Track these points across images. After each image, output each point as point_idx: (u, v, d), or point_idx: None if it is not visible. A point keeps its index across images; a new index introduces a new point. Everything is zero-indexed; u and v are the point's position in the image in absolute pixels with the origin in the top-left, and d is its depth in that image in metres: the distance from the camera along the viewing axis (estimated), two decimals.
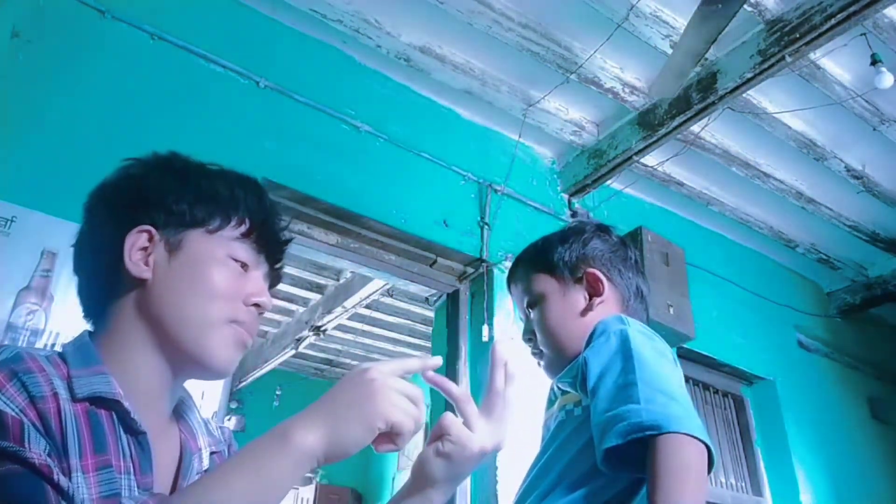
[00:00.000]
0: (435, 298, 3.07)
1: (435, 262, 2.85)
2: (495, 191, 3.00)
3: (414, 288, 3.05)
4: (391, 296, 4.80)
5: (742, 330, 3.74)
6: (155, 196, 0.81)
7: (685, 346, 3.32)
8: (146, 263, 0.77)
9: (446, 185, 2.88)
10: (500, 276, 2.87)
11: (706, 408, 3.72)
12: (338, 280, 4.63)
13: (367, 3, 2.54)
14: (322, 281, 4.66)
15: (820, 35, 2.37)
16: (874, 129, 3.08)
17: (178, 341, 0.76)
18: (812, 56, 2.63)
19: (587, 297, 1.11)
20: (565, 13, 2.59)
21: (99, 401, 0.69)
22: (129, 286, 0.77)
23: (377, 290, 4.39)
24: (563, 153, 3.35)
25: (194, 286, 0.77)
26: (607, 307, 1.10)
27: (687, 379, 3.55)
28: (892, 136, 3.14)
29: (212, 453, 0.84)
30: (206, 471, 0.80)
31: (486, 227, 2.89)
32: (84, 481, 0.63)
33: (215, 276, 0.78)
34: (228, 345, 0.79)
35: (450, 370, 2.79)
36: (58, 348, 0.75)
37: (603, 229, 1.19)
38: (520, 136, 3.09)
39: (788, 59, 2.48)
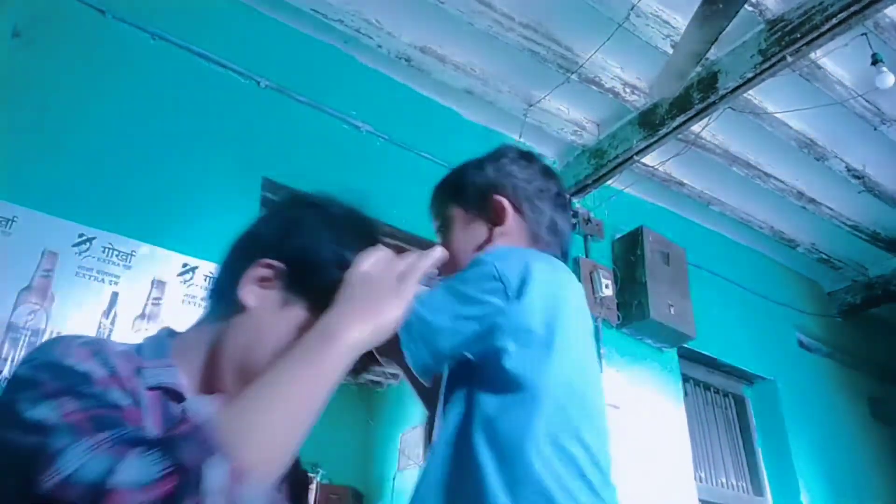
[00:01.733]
0: None
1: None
2: None
3: None
4: None
5: (743, 330, 3.74)
6: (305, 254, 0.81)
7: (686, 345, 3.32)
8: (255, 294, 0.78)
9: None
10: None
11: (707, 407, 3.72)
12: None
13: (367, 2, 2.54)
14: None
15: (821, 35, 2.37)
16: (875, 129, 3.08)
17: (218, 374, 0.77)
18: (813, 56, 2.63)
19: (490, 226, 1.00)
20: (566, 13, 2.59)
21: (167, 392, 0.71)
22: (235, 308, 0.78)
23: None
24: (564, 153, 3.35)
25: (270, 349, 0.75)
26: (510, 240, 0.98)
27: (687, 379, 3.56)
28: (892, 136, 3.14)
29: None
30: None
31: None
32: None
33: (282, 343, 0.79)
34: None
35: None
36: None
37: (525, 157, 1.08)
38: (520, 136, 3.09)
39: (789, 59, 2.48)
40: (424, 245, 2.97)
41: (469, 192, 1.04)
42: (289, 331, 0.76)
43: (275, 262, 0.79)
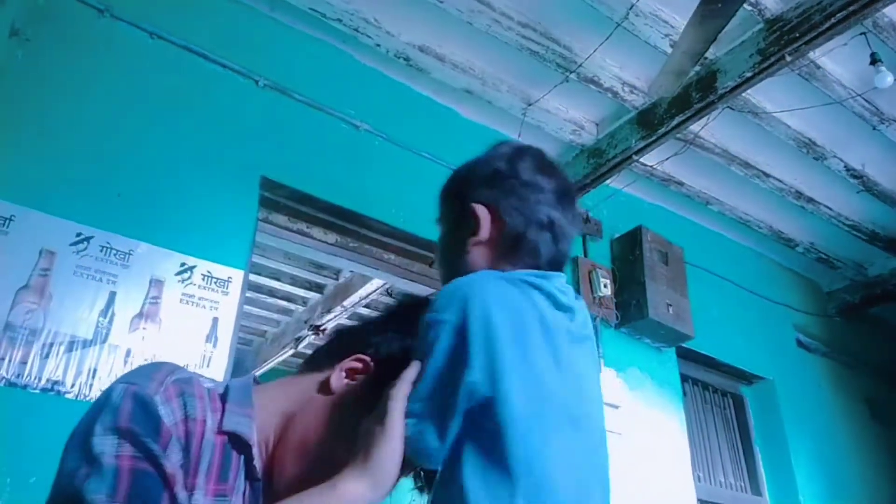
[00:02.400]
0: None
1: (434, 261, 2.85)
2: None
3: (413, 287, 3.05)
4: (390, 295, 4.79)
5: (741, 329, 3.74)
6: (397, 358, 0.84)
7: (685, 345, 3.32)
8: (340, 382, 0.84)
9: None
10: None
11: (705, 407, 3.72)
12: (337, 279, 4.62)
13: (366, 2, 2.53)
14: (321, 280, 4.66)
15: (820, 34, 2.37)
16: (874, 129, 3.08)
17: (282, 441, 0.81)
18: (812, 55, 2.63)
19: (468, 236, 0.92)
20: (565, 12, 2.58)
21: (235, 439, 0.77)
22: (318, 384, 0.84)
23: (376, 290, 4.39)
24: (563, 152, 3.35)
25: (328, 440, 0.81)
26: (486, 250, 0.91)
27: (686, 378, 3.56)
28: (891, 136, 3.14)
29: None
30: None
31: None
32: (203, 500, 0.72)
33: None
34: None
35: None
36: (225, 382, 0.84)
37: (523, 153, 0.98)
38: (519, 135, 3.08)
39: (788, 59, 2.48)
40: (423, 244, 2.95)
41: (460, 192, 0.97)
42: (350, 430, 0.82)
43: (366, 358, 0.85)
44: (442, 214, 1.00)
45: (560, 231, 0.93)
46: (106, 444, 0.67)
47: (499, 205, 0.92)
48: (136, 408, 0.69)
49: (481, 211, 0.92)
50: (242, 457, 0.78)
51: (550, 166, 0.99)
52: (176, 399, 0.72)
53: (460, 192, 0.96)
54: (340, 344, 0.89)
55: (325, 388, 0.83)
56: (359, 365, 0.84)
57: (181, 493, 0.69)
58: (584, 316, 0.92)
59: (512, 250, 0.91)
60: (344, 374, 0.84)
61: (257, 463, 0.78)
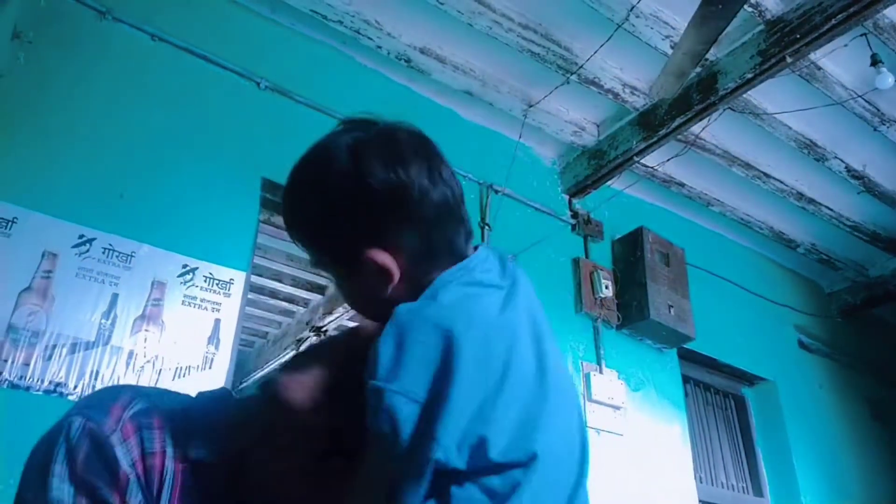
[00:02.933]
0: None
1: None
2: (495, 191, 3.00)
3: None
4: None
5: (742, 330, 3.74)
6: None
7: (686, 346, 3.32)
8: None
9: None
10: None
11: (707, 408, 3.72)
12: None
13: (367, 3, 2.54)
14: (322, 282, 4.66)
15: (820, 35, 2.37)
16: (874, 130, 3.08)
17: None
18: (812, 56, 2.63)
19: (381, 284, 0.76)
20: (566, 14, 2.59)
21: (199, 466, 0.76)
22: None
23: None
24: (564, 154, 3.35)
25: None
26: (406, 284, 0.76)
27: (687, 379, 3.56)
28: (892, 137, 3.14)
29: None
30: None
31: (486, 227, 2.89)
32: None
33: None
34: None
35: None
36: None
37: (362, 149, 0.80)
38: (520, 137, 3.09)
39: (789, 60, 2.48)
40: None
41: (337, 256, 0.82)
42: None
43: None
44: (325, 264, 0.83)
45: (450, 207, 0.80)
46: (63, 493, 0.67)
47: (390, 236, 0.76)
48: (91, 452, 0.69)
49: (382, 257, 0.75)
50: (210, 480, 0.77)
51: (396, 146, 0.82)
52: (133, 436, 0.72)
53: (338, 245, 0.79)
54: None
55: None
56: None
57: None
58: (516, 278, 0.78)
59: (428, 265, 0.77)
60: None
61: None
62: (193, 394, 0.84)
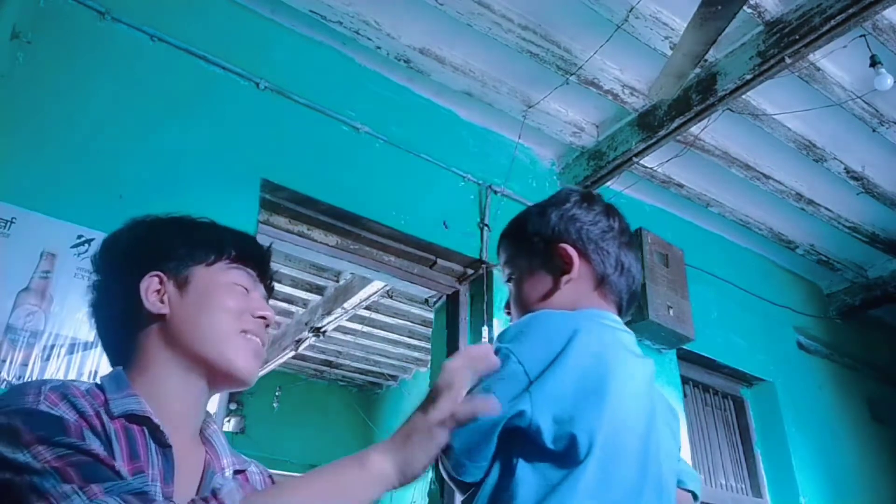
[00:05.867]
0: (435, 300, 3.07)
1: (435, 263, 2.85)
2: (495, 192, 3.00)
3: (414, 289, 3.05)
4: (391, 297, 4.80)
5: (742, 331, 3.74)
6: (159, 247, 0.95)
7: (685, 347, 3.32)
8: (161, 301, 0.91)
9: (446, 186, 2.88)
10: (500, 277, 2.87)
11: (706, 409, 3.72)
12: (337, 281, 4.63)
13: (366, 4, 2.54)
14: (322, 282, 4.66)
15: (819, 36, 2.37)
16: (873, 131, 3.08)
17: (204, 357, 0.89)
18: (812, 57, 2.63)
19: (557, 274, 1.01)
20: (565, 15, 2.59)
21: (132, 417, 0.80)
22: (150, 323, 0.91)
23: (377, 292, 4.39)
24: (563, 154, 3.36)
25: (208, 308, 0.91)
26: (578, 286, 1.00)
27: (686, 380, 3.56)
28: (891, 138, 3.14)
29: (235, 472, 0.94)
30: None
31: (485, 228, 2.89)
32: (127, 478, 0.73)
33: (222, 296, 0.93)
34: (247, 353, 0.92)
35: None
36: (96, 380, 0.87)
37: (587, 198, 1.07)
38: (519, 138, 3.09)
39: (788, 61, 2.48)
40: (423, 246, 2.94)
41: (534, 241, 1.04)
42: (206, 287, 0.94)
43: (153, 272, 0.93)
44: (518, 253, 1.07)
45: (630, 274, 1.04)
46: (23, 458, 0.66)
47: (583, 246, 1.01)
48: (28, 419, 0.69)
49: (571, 250, 1.00)
50: (146, 430, 0.80)
51: (615, 210, 1.08)
52: (62, 402, 0.73)
53: (541, 234, 1.04)
54: (122, 285, 0.93)
55: (153, 317, 0.90)
56: (154, 279, 0.91)
57: (124, 470, 0.71)
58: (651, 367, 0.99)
59: (600, 288, 1.01)
60: (154, 295, 0.91)
61: (165, 429, 0.81)
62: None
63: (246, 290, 0.96)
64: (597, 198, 1.08)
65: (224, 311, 0.91)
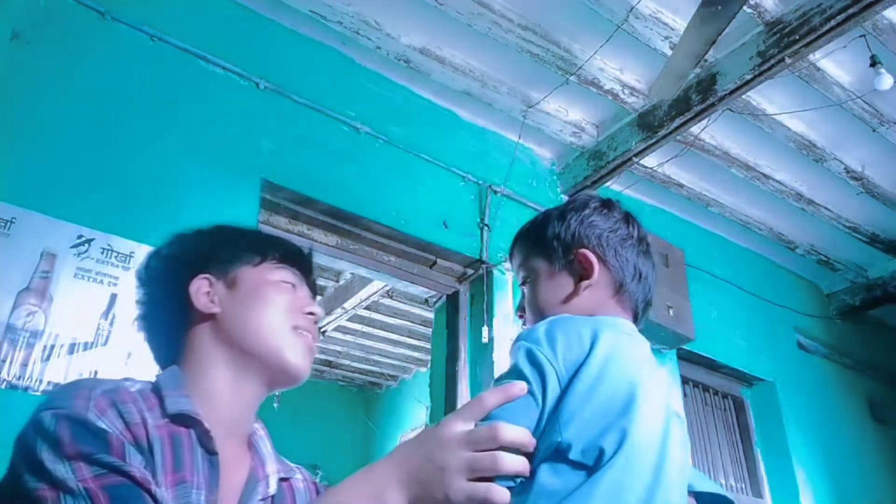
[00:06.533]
0: (435, 300, 3.07)
1: (435, 263, 2.85)
2: (495, 192, 3.00)
3: (414, 289, 3.05)
4: (391, 297, 4.80)
5: (742, 331, 3.74)
6: (205, 251, 0.97)
7: (685, 347, 3.32)
8: (212, 301, 0.92)
9: (446, 186, 2.88)
10: (500, 277, 2.87)
11: (706, 409, 3.72)
12: (337, 281, 4.63)
13: (366, 4, 2.54)
14: (321, 282, 4.66)
15: (819, 37, 2.37)
16: (874, 131, 3.08)
17: (258, 353, 0.90)
18: (812, 57, 2.63)
19: (576, 279, 1.01)
20: (565, 15, 2.59)
21: (182, 419, 0.80)
22: (200, 323, 0.92)
23: (377, 292, 4.39)
24: (563, 154, 3.36)
25: (259, 304, 0.92)
26: (596, 292, 1.00)
27: (687, 380, 3.56)
28: (891, 138, 3.14)
29: (280, 479, 0.94)
30: (272, 496, 0.91)
31: (485, 228, 2.89)
32: (166, 495, 0.73)
33: (272, 292, 0.94)
34: (301, 349, 0.93)
35: (449, 372, 2.79)
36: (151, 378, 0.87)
37: (607, 205, 1.07)
38: (519, 138, 3.09)
39: (788, 61, 2.48)
40: (423, 246, 2.94)
41: (553, 245, 1.03)
42: (255, 286, 0.96)
43: (201, 275, 0.94)
44: (535, 256, 1.06)
45: (647, 282, 1.04)
46: (62, 471, 0.66)
47: (603, 252, 1.01)
48: (75, 428, 0.69)
49: (591, 256, 1.00)
50: (192, 433, 0.80)
51: (633, 218, 1.08)
52: (109, 410, 0.73)
53: (561, 238, 1.03)
54: (172, 289, 0.95)
55: (204, 317, 0.92)
56: (204, 282, 0.93)
57: (158, 492, 0.70)
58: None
59: (618, 295, 1.01)
60: (204, 297, 0.92)
61: (214, 435, 0.81)
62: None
63: (293, 286, 0.98)
64: (616, 205, 1.08)
65: (275, 307, 0.93)
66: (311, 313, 0.96)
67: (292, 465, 1.00)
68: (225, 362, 0.90)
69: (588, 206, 1.06)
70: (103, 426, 0.71)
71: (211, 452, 0.81)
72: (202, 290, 0.92)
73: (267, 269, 0.96)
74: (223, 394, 0.88)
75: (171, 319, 0.94)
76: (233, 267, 0.95)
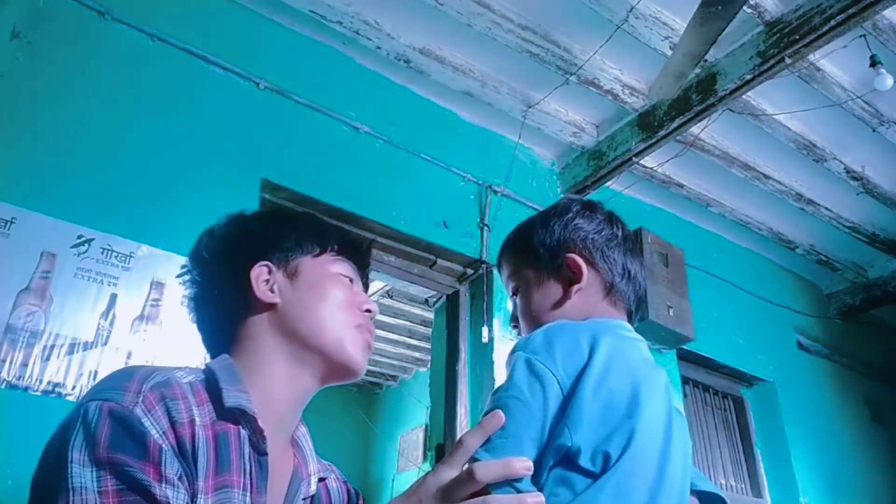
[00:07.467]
0: (435, 300, 3.07)
1: (435, 263, 2.85)
2: (495, 192, 3.00)
3: (414, 289, 3.05)
4: (391, 297, 4.80)
5: (742, 331, 3.74)
6: (266, 237, 0.95)
7: (685, 347, 3.32)
8: (272, 290, 0.90)
9: (446, 186, 2.88)
10: (501, 277, 2.87)
11: (706, 409, 3.72)
12: None
13: (366, 4, 2.54)
14: None
15: (819, 37, 2.37)
16: (873, 131, 3.08)
17: (320, 347, 0.89)
18: (811, 57, 2.63)
19: (566, 284, 1.00)
20: (565, 15, 2.59)
21: (236, 415, 0.77)
22: (258, 312, 0.89)
23: (377, 292, 4.39)
24: (563, 154, 3.36)
25: (321, 298, 0.91)
26: (587, 295, 1.00)
27: (687, 380, 3.56)
28: (891, 138, 3.14)
29: (319, 479, 0.94)
30: (312, 496, 0.90)
31: (485, 228, 2.89)
32: (204, 502, 0.71)
33: (336, 289, 0.93)
34: (362, 346, 0.92)
35: (449, 372, 2.79)
36: (200, 366, 0.84)
37: (589, 207, 1.07)
38: (519, 138, 3.09)
39: (788, 61, 2.48)
40: (423, 246, 2.94)
41: (540, 253, 1.03)
42: (317, 278, 0.94)
43: (262, 262, 0.92)
44: (523, 265, 1.06)
45: (637, 280, 1.03)
46: (86, 478, 0.65)
47: (590, 255, 1.01)
48: (115, 428, 0.67)
49: (579, 259, 1.00)
50: (241, 432, 0.77)
51: (617, 218, 1.08)
52: (158, 406, 0.70)
53: (546, 244, 1.03)
54: (231, 275, 0.93)
55: (263, 306, 0.89)
56: (264, 269, 0.91)
57: (200, 489, 0.69)
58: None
59: (609, 296, 1.00)
60: (263, 284, 0.90)
61: (266, 434, 0.78)
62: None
63: (350, 281, 0.96)
64: (598, 206, 1.08)
65: (337, 303, 0.91)
66: (368, 310, 0.95)
67: (326, 463, 0.99)
68: (283, 355, 0.87)
69: (570, 209, 1.06)
70: (147, 426, 0.68)
71: (261, 453, 0.78)
72: (262, 278, 0.90)
73: (327, 261, 0.95)
74: (278, 389, 0.86)
75: (226, 305, 0.91)
76: (293, 256, 0.93)
